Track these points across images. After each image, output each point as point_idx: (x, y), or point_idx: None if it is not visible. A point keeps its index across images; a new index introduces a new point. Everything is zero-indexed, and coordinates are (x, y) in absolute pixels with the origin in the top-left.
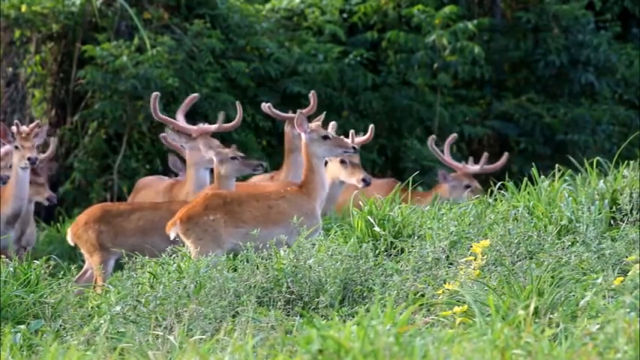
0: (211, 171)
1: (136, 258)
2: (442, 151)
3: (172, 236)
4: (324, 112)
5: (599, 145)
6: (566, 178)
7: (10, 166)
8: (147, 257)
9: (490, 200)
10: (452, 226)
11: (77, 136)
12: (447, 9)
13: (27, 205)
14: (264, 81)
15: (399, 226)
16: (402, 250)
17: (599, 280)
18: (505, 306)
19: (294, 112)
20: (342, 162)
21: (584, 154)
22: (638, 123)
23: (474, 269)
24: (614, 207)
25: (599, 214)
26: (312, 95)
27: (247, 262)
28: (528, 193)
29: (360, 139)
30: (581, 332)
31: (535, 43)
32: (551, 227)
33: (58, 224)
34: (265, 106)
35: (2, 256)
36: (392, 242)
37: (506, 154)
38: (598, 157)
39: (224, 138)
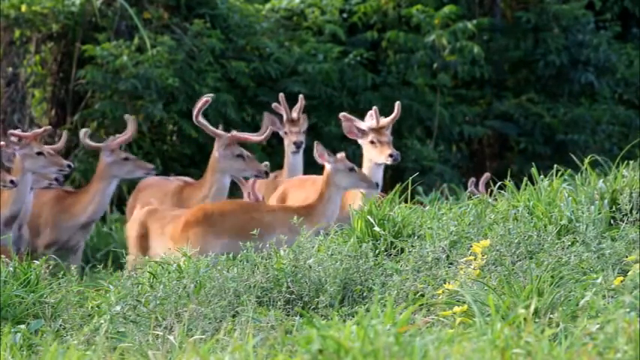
0: None
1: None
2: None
3: None
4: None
5: (599, 145)
6: (566, 177)
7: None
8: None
9: (490, 200)
10: (452, 225)
11: (77, 136)
12: (447, 9)
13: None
14: (264, 81)
15: (399, 226)
16: (402, 250)
17: (599, 280)
18: (505, 306)
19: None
20: (372, 142)
21: (584, 154)
22: (638, 123)
23: (474, 269)
24: (613, 207)
25: (599, 213)
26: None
27: (247, 262)
28: (528, 193)
29: (387, 119)
30: (581, 332)
31: (535, 43)
32: (551, 227)
33: None
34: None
35: (2, 256)
36: (392, 242)
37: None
38: (598, 157)
39: None
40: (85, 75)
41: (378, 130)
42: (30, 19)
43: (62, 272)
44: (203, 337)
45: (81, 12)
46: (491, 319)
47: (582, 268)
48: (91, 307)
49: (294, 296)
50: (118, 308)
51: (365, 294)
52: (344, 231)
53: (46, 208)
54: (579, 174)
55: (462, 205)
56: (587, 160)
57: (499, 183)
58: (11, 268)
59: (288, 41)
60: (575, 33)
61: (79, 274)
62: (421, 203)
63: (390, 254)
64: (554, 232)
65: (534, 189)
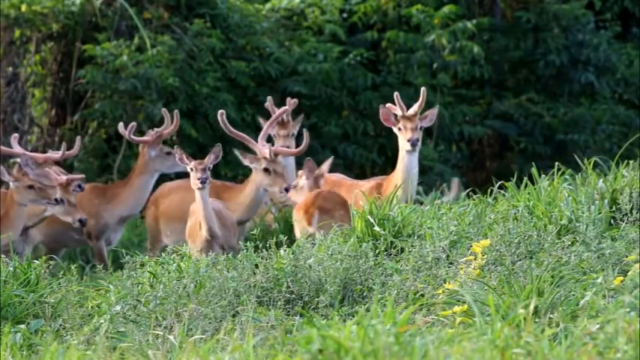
0: None
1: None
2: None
3: None
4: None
5: (599, 145)
6: (566, 177)
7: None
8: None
9: (490, 200)
10: (452, 225)
11: (77, 135)
12: (447, 8)
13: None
14: (264, 81)
15: (399, 226)
16: (402, 250)
17: (599, 280)
18: (505, 305)
19: (292, 114)
20: (399, 129)
21: (584, 153)
22: (638, 123)
23: (474, 269)
24: (613, 207)
25: (599, 213)
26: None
27: (247, 261)
28: (528, 192)
29: (414, 106)
30: (581, 332)
31: (535, 43)
32: (551, 227)
33: None
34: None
35: (2, 256)
36: (392, 242)
37: None
38: (598, 157)
39: (224, 139)
40: (85, 75)
41: (407, 118)
42: (30, 19)
43: (62, 272)
44: (203, 336)
45: (81, 12)
46: (491, 319)
47: (582, 268)
48: (91, 307)
49: (294, 296)
50: (118, 308)
51: (365, 294)
52: (344, 231)
53: (86, 202)
54: (579, 174)
55: (462, 205)
56: (587, 160)
57: (499, 183)
58: (11, 268)
59: (288, 41)
60: (575, 33)
61: (79, 274)
62: (421, 203)
63: (390, 254)
64: (554, 232)
65: (534, 189)
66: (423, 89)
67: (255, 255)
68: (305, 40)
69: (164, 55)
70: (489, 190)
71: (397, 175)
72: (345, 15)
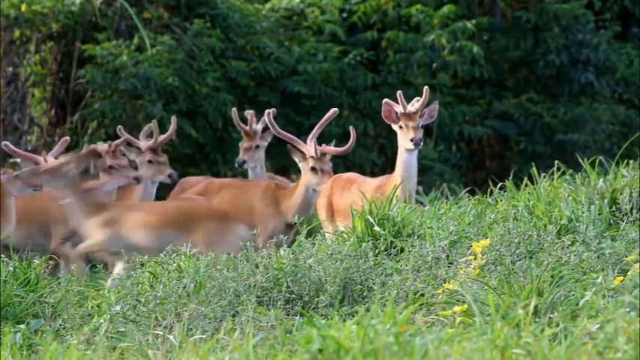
0: None
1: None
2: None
3: None
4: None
5: (599, 145)
6: (566, 177)
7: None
8: None
9: (490, 200)
10: (451, 225)
11: (77, 135)
12: (446, 8)
13: None
14: (264, 80)
15: (399, 226)
16: (402, 250)
17: (599, 280)
18: (505, 305)
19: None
20: (400, 127)
21: (584, 153)
22: (638, 123)
23: (473, 269)
24: (613, 206)
25: (599, 213)
26: (173, 119)
27: (247, 261)
28: (528, 192)
29: (416, 104)
30: (581, 332)
31: (535, 43)
32: (551, 227)
33: None
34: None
35: (2, 255)
36: (392, 242)
37: None
38: (598, 157)
39: (223, 139)
40: (85, 75)
41: (407, 115)
42: (30, 19)
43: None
44: (203, 336)
45: (81, 12)
46: (491, 319)
47: (582, 267)
48: (91, 307)
49: (294, 296)
50: (117, 308)
51: (365, 294)
52: (344, 231)
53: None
54: (579, 174)
55: (462, 205)
56: (587, 160)
57: (500, 183)
58: (11, 268)
59: (288, 41)
60: (575, 33)
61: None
62: (421, 203)
63: (390, 254)
64: (554, 232)
65: (534, 189)
66: (425, 88)
67: (255, 254)
68: (305, 40)
69: (164, 55)
70: (489, 190)
71: (396, 174)
72: (344, 15)
